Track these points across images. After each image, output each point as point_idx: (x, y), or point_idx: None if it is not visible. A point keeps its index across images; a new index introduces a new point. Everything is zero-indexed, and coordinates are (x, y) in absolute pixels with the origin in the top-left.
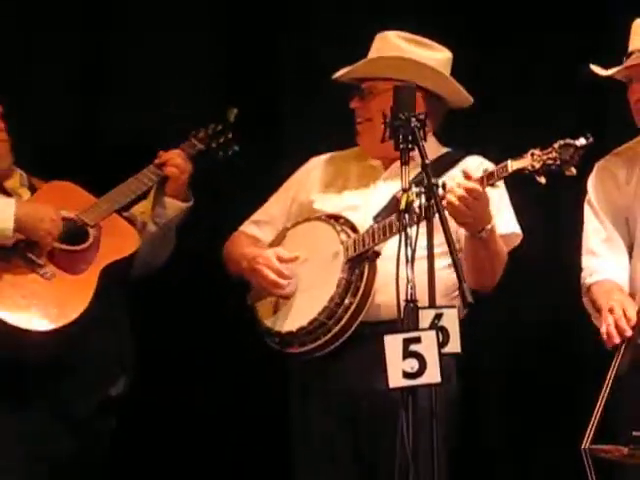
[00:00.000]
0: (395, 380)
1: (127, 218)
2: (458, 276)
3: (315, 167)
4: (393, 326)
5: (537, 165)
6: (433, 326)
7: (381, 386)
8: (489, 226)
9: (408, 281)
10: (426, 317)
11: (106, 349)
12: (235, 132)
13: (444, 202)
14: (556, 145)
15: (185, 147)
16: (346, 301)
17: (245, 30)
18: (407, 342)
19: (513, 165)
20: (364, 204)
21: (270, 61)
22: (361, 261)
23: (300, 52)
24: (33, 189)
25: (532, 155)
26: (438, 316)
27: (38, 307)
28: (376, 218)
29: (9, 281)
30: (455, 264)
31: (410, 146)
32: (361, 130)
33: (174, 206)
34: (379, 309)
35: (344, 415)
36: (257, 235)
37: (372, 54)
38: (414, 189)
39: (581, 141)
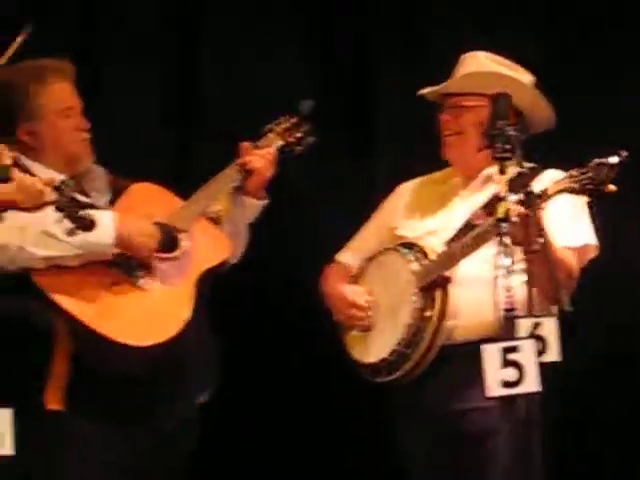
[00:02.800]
0: (493, 389)
1: (212, 220)
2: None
3: (403, 193)
4: (473, 346)
5: (575, 186)
6: (531, 335)
7: (467, 405)
8: (541, 240)
9: (507, 290)
10: (524, 326)
11: (195, 360)
12: (310, 124)
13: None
14: (591, 165)
15: (265, 143)
16: (421, 330)
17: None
18: (505, 351)
19: (552, 189)
20: (442, 228)
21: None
22: (433, 288)
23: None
24: (114, 189)
25: (570, 177)
26: (536, 325)
27: (138, 321)
28: (449, 243)
29: (107, 295)
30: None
31: (507, 155)
32: (449, 142)
33: (252, 204)
34: (455, 333)
35: (434, 434)
36: (350, 263)
37: (462, 71)
38: (511, 197)
39: (614, 159)
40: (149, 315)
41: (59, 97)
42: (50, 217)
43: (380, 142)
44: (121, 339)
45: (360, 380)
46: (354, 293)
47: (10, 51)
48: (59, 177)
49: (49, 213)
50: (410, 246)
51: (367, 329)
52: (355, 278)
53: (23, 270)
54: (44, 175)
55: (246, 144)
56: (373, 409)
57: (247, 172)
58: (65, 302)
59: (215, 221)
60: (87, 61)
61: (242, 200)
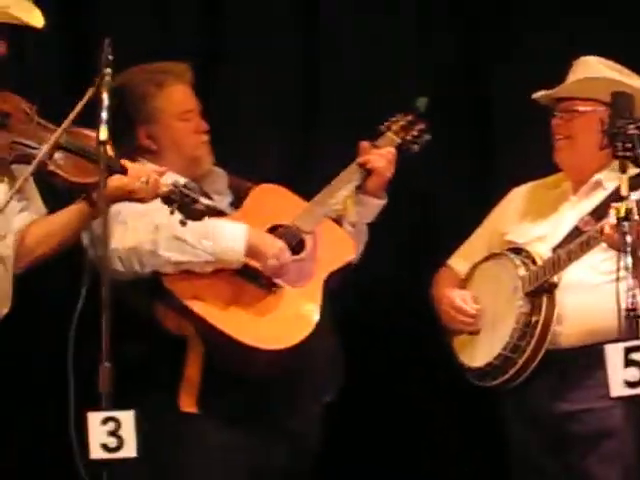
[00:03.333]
0: (617, 389)
1: (335, 220)
2: None
3: (514, 199)
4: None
5: None
6: None
7: (576, 407)
8: None
9: (628, 289)
10: None
11: (321, 360)
12: (426, 121)
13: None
14: None
15: (383, 142)
16: (527, 334)
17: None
18: (628, 351)
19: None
20: (550, 234)
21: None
22: (539, 293)
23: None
24: (235, 191)
25: None
26: None
27: (270, 325)
28: (555, 249)
29: (238, 299)
30: None
31: (628, 154)
32: (560, 147)
33: (372, 204)
34: (560, 338)
35: (541, 436)
36: (460, 269)
37: (574, 77)
38: (633, 196)
39: None
40: (279, 318)
41: (177, 100)
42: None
43: (499, 143)
44: (252, 343)
45: (467, 383)
46: (462, 297)
47: (75, 111)
48: (180, 179)
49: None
50: (518, 251)
51: (474, 333)
52: (463, 283)
53: (153, 274)
54: (170, 178)
55: (365, 144)
56: (481, 413)
57: (367, 172)
58: (196, 306)
59: (336, 221)
60: (201, 62)
61: (362, 200)
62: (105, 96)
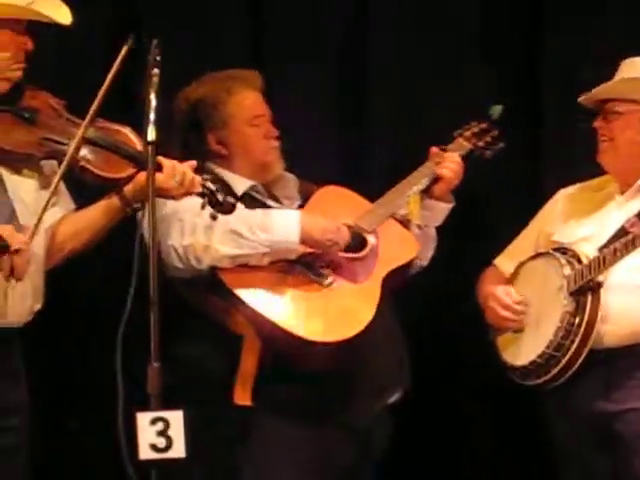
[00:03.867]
0: None
1: (401, 222)
2: None
3: (560, 200)
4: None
5: None
6: None
7: (621, 406)
8: None
9: None
10: None
11: (384, 359)
12: (500, 129)
13: None
14: None
15: (453, 148)
16: (571, 333)
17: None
18: None
19: None
20: (596, 235)
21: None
22: (584, 293)
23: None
24: (304, 195)
25: None
26: None
27: (323, 318)
28: (601, 249)
29: (293, 293)
30: None
31: None
32: (603, 149)
33: (439, 208)
34: (604, 338)
35: (585, 435)
36: (506, 268)
37: (617, 78)
38: None
39: None
40: (333, 313)
41: (247, 106)
42: (234, 215)
43: (547, 144)
44: (306, 336)
45: (512, 382)
46: (507, 295)
47: (116, 64)
48: (249, 183)
49: (236, 212)
50: (564, 251)
51: (518, 332)
52: (509, 282)
53: (210, 268)
54: (238, 184)
55: (435, 149)
56: (525, 412)
57: (435, 177)
58: (252, 300)
59: (402, 224)
60: (260, 61)
61: (429, 204)
62: (153, 97)
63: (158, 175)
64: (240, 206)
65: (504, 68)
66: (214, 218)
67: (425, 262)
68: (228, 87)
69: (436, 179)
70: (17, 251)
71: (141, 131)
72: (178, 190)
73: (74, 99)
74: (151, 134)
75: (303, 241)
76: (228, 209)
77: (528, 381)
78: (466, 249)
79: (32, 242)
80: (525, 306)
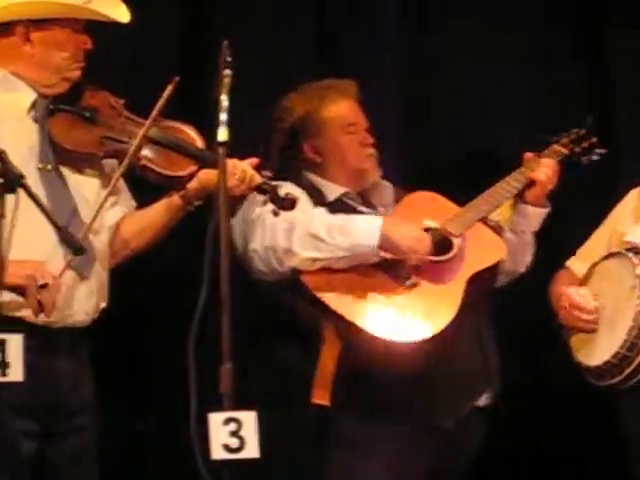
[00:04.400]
0: None
1: (491, 226)
2: None
3: (632, 200)
4: None
5: None
6: None
7: None
8: None
9: None
10: None
11: (471, 360)
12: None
13: None
14: None
15: (548, 154)
16: None
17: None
18: None
19: None
20: None
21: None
22: None
23: None
24: (399, 201)
25: None
26: None
27: (404, 319)
28: None
29: (374, 295)
30: None
31: None
32: None
33: (534, 213)
34: None
35: None
36: (578, 270)
37: None
38: None
39: None
40: (414, 314)
41: (342, 114)
42: (315, 219)
43: (622, 145)
44: (386, 336)
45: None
46: (580, 295)
47: (161, 102)
48: (342, 190)
49: (314, 215)
50: (637, 251)
51: (591, 332)
52: (582, 283)
53: (291, 271)
54: (330, 191)
55: (529, 154)
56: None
57: (529, 182)
58: (332, 302)
59: (495, 230)
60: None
61: (523, 209)
62: (224, 98)
63: (215, 172)
64: (323, 210)
65: (575, 69)
66: (276, 214)
67: (522, 268)
68: (323, 96)
69: (529, 184)
70: (44, 286)
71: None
72: (239, 188)
73: (144, 98)
74: (222, 135)
75: (383, 247)
76: (289, 205)
77: (602, 381)
78: (538, 251)
79: (95, 240)
80: (598, 306)
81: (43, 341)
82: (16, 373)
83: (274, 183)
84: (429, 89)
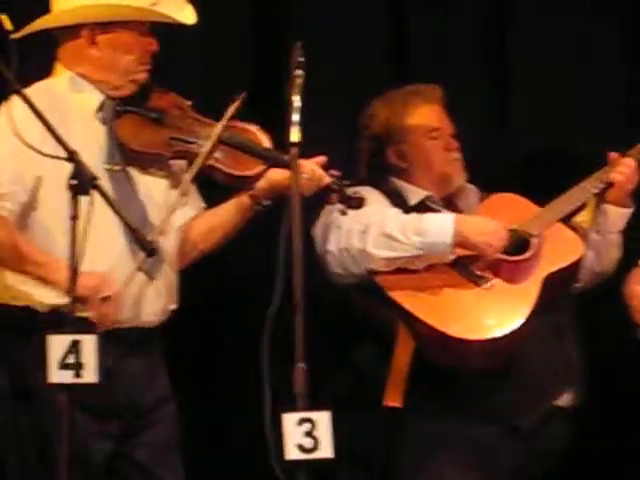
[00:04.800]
0: None
1: (571, 227)
2: None
3: None
4: None
5: None
6: None
7: None
8: None
9: None
10: None
11: (550, 359)
12: None
13: None
14: None
15: (633, 153)
16: None
17: None
18: None
19: None
20: None
21: None
22: None
23: None
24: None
25: None
26: None
27: (478, 318)
28: None
29: (449, 295)
30: None
31: None
32: None
33: (616, 213)
34: None
35: None
36: None
37: None
38: None
39: None
40: (487, 313)
41: (426, 119)
42: (389, 219)
43: None
44: (459, 335)
45: None
46: None
47: (228, 115)
48: (424, 194)
49: (388, 215)
50: None
51: None
52: None
53: (366, 271)
54: (412, 194)
55: (614, 154)
56: None
57: (610, 182)
58: (406, 301)
59: (575, 230)
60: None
61: (606, 209)
62: (296, 98)
63: (286, 172)
64: (397, 211)
65: None
66: (343, 213)
67: (608, 270)
68: (406, 102)
69: (610, 184)
70: (106, 299)
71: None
72: (307, 187)
73: (219, 98)
74: (294, 135)
75: (458, 243)
76: (357, 204)
77: None
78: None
79: (164, 241)
80: None
81: (112, 341)
82: (90, 374)
83: (342, 182)
84: (509, 88)
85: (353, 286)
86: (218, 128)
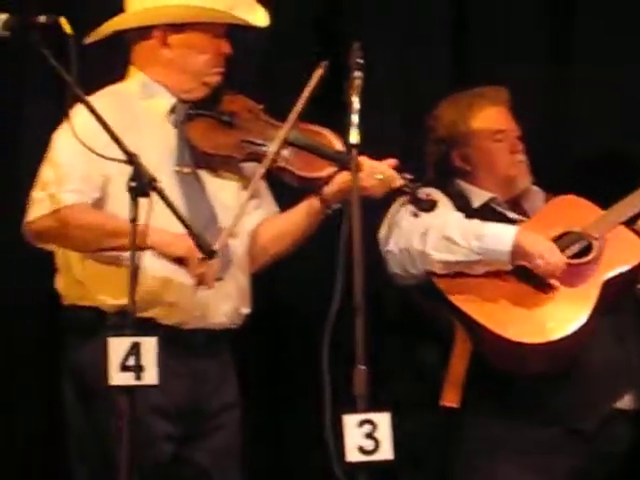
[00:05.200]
0: None
1: (634, 230)
2: None
3: None
4: None
5: None
6: None
7: None
8: None
9: None
10: None
11: (611, 361)
12: None
13: None
14: None
15: None
16: None
17: None
18: None
19: None
20: None
21: None
22: None
23: None
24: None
25: None
26: None
27: (537, 321)
28: None
29: (507, 298)
30: None
31: None
32: None
33: None
34: None
35: None
36: None
37: None
38: None
39: None
40: (546, 316)
41: (490, 121)
42: (450, 223)
43: None
44: (517, 338)
45: None
46: None
47: (308, 89)
48: (488, 196)
49: (449, 219)
50: None
51: None
52: None
53: (425, 273)
54: (476, 196)
55: None
56: None
57: None
58: (465, 305)
59: (637, 232)
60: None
61: None
62: (355, 99)
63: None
64: (460, 215)
65: None
66: (415, 215)
67: None
68: (471, 104)
69: None
70: (204, 258)
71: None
72: (379, 188)
73: (278, 99)
74: (354, 137)
75: (515, 253)
76: (429, 207)
77: None
78: None
79: (234, 243)
80: None
81: (179, 343)
82: (151, 377)
83: (415, 185)
84: (569, 91)
85: (414, 287)
86: (290, 119)
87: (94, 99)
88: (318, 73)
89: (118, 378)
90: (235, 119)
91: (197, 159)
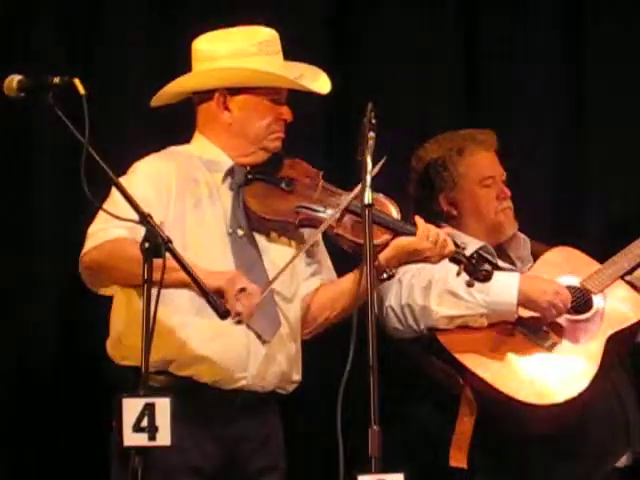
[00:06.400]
0: None
1: (630, 283)
2: None
3: None
4: None
5: None
6: None
7: None
8: None
9: None
10: None
11: (610, 422)
12: None
13: None
14: None
15: None
16: None
17: None
18: None
19: None
20: None
21: None
22: None
23: None
24: (535, 256)
25: None
26: None
27: (544, 381)
28: None
29: (512, 355)
30: None
31: None
32: None
33: None
34: None
35: None
36: None
37: None
38: None
39: None
40: (553, 375)
41: (478, 167)
42: (452, 275)
43: None
44: (525, 399)
45: None
46: None
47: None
48: (479, 244)
49: (452, 271)
50: None
51: None
52: None
53: (428, 329)
54: (470, 245)
55: None
56: None
57: None
58: (469, 362)
59: (635, 287)
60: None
61: None
62: (369, 160)
63: (410, 238)
64: None
65: None
66: (470, 285)
67: None
68: (460, 147)
69: None
70: (243, 290)
71: None
72: (432, 251)
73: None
74: (368, 197)
75: (522, 304)
76: (484, 278)
77: None
78: None
79: (286, 308)
80: None
81: (222, 404)
82: (164, 437)
83: (468, 253)
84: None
85: (409, 341)
86: (347, 199)
87: (157, 157)
88: (380, 164)
89: (131, 439)
90: (294, 185)
91: (253, 223)
